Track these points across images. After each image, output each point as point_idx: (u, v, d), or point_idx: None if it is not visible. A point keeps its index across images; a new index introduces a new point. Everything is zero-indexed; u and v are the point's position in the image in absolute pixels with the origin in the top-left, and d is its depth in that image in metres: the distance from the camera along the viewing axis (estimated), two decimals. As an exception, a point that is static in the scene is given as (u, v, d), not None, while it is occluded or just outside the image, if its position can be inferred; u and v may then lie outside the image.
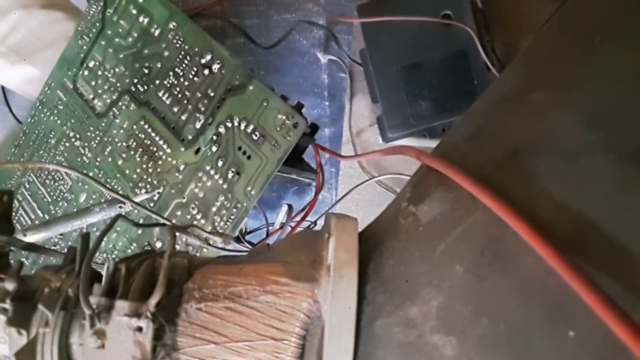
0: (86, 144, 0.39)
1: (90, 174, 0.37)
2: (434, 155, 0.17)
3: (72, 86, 0.40)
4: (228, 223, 0.32)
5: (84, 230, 0.43)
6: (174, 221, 0.34)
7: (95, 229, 0.37)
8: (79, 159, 0.39)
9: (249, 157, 0.31)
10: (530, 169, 0.14)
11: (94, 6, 0.39)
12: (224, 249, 0.27)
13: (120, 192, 0.36)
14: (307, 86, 0.46)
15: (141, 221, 0.35)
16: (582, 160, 0.13)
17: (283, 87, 0.45)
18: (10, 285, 0.17)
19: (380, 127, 0.43)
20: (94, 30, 0.39)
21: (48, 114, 0.42)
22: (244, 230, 0.35)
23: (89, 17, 0.40)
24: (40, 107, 0.42)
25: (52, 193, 0.41)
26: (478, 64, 0.40)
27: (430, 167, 0.17)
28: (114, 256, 0.37)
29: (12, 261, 0.21)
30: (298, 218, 0.34)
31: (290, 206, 0.33)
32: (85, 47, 0.40)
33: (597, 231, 0.12)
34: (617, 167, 0.12)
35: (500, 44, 0.42)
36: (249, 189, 0.31)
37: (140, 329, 0.15)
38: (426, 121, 0.41)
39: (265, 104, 0.31)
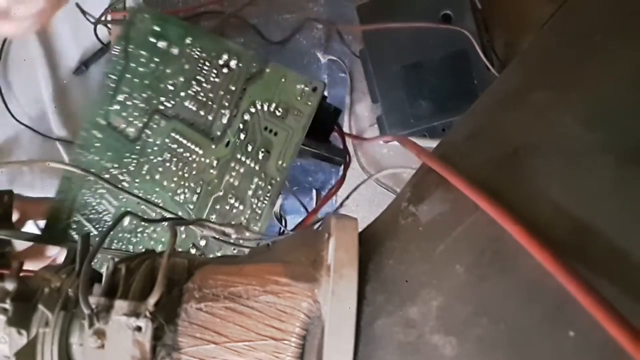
0: (124, 170, 0.40)
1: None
2: (433, 156, 0.17)
3: (105, 123, 0.42)
4: (265, 202, 0.33)
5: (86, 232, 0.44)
6: (213, 217, 0.35)
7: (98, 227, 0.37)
8: (119, 186, 0.40)
9: (275, 134, 0.33)
10: (529, 169, 0.14)
11: (117, 47, 0.41)
12: (237, 243, 0.27)
13: (161, 204, 0.37)
14: (307, 86, 0.46)
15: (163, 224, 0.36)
16: (582, 161, 0.13)
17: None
18: (10, 285, 0.17)
19: (380, 127, 0.43)
20: (120, 67, 0.41)
21: (86, 154, 0.43)
22: (280, 215, 0.37)
23: (115, 58, 0.42)
24: (79, 151, 0.44)
25: (97, 226, 0.42)
26: (478, 64, 0.40)
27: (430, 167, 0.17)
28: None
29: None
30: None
31: (318, 191, 0.36)
32: (113, 85, 0.42)
33: (596, 232, 0.12)
34: (617, 167, 0.12)
35: (500, 44, 0.42)
36: (280, 162, 0.32)
37: (139, 329, 0.15)
38: (426, 121, 0.41)
39: (283, 80, 0.33)
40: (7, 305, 0.16)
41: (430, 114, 0.41)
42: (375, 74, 0.41)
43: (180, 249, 0.36)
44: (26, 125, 0.52)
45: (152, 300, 0.16)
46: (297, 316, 0.16)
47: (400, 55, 0.41)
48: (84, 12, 0.48)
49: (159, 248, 0.38)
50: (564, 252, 0.12)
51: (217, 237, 0.23)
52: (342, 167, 0.37)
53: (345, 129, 0.46)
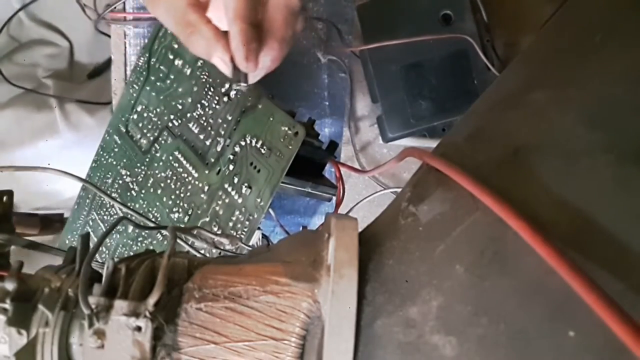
0: (134, 179, 0.43)
1: (137, 205, 0.41)
2: (435, 156, 0.17)
3: (125, 130, 0.45)
4: (242, 236, 0.33)
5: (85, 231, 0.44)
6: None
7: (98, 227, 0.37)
8: (128, 194, 0.43)
9: (258, 171, 0.33)
10: (530, 169, 0.14)
11: (142, 58, 0.44)
12: (233, 251, 0.27)
13: (159, 219, 0.39)
14: (307, 86, 0.46)
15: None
16: (582, 160, 0.13)
17: (283, 88, 0.44)
18: (10, 285, 0.17)
19: (380, 127, 0.43)
20: (141, 78, 0.44)
21: (106, 157, 0.46)
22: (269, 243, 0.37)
23: (138, 68, 0.44)
24: (101, 152, 0.47)
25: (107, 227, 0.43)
26: (478, 64, 0.40)
27: (431, 166, 0.17)
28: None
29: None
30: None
31: (305, 227, 0.35)
32: (135, 95, 0.44)
33: (598, 231, 0.12)
34: (617, 167, 0.12)
35: (500, 44, 0.42)
36: (259, 200, 0.32)
37: (139, 329, 0.15)
38: (426, 121, 0.41)
39: (271, 118, 0.32)
40: (7, 305, 0.16)
41: (430, 114, 0.41)
42: (375, 74, 0.41)
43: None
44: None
45: (152, 300, 0.15)
46: (297, 316, 0.16)
47: (400, 55, 0.41)
48: (83, 8, 0.48)
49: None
50: (565, 250, 0.12)
51: (201, 252, 0.23)
52: (335, 200, 0.36)
53: (345, 129, 0.46)
